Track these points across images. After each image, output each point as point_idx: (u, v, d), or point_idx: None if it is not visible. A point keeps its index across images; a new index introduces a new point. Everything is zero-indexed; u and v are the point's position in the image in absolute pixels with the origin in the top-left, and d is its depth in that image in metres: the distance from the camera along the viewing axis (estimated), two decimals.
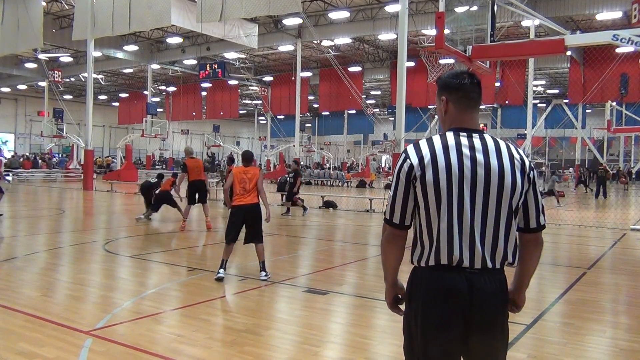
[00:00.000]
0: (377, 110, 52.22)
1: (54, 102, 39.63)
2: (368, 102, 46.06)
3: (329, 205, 17.56)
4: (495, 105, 39.40)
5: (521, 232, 2.22)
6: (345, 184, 35.07)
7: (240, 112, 53.28)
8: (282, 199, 19.08)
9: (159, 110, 43.06)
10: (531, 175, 2.17)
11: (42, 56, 35.03)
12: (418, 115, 28.83)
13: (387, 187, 15.67)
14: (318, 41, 31.52)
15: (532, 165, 2.22)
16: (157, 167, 50.43)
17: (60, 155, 46.33)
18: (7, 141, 54.10)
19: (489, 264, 2.11)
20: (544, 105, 39.73)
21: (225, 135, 59.42)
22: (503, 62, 29.50)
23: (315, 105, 47.75)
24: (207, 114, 45.94)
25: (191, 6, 22.62)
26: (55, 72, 37.51)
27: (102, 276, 7.31)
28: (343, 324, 5.39)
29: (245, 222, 6.91)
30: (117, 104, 54.89)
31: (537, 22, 19.98)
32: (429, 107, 30.73)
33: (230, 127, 65.14)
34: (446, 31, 12.59)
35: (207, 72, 32.11)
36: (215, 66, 31.73)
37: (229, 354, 4.31)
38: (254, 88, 44.37)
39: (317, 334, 4.94)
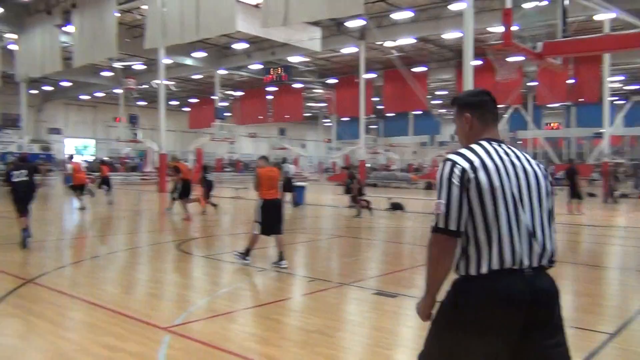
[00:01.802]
0: (443, 110, 51.32)
1: (129, 108, 41.61)
2: (434, 102, 45.35)
3: (396, 207, 17.40)
4: (568, 104, 37.76)
5: None
6: (412, 185, 34.66)
7: (305, 115, 53.78)
8: (350, 202, 19.15)
9: (227, 114, 44.23)
10: (549, 181, 2.28)
11: (117, 65, 36.78)
12: None
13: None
14: (381, 42, 31.36)
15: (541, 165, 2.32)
16: (226, 169, 51.87)
17: (135, 160, 48.47)
18: (87, 146, 57.25)
19: (544, 262, 2.15)
20: (623, 102, 37.69)
21: (291, 138, 60.20)
22: (576, 58, 28.20)
23: (380, 107, 47.45)
24: (273, 117, 46.67)
25: (256, 12, 23.07)
26: (130, 79, 39.25)
27: (177, 275, 7.59)
28: (414, 328, 5.31)
29: (274, 214, 7.85)
30: (187, 109, 56.80)
31: (612, 15, 18.99)
32: (498, 106, 29.86)
33: (295, 130, 65.91)
34: (514, 28, 12.24)
35: (272, 76, 32.68)
36: (280, 70, 32.23)
37: (300, 354, 4.36)
38: (318, 91, 44.69)
39: (387, 337, 4.91)
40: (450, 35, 28.98)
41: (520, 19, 12.99)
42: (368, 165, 46.53)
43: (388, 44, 31.92)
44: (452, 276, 2.22)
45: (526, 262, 2.09)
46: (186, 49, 33.96)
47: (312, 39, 26.86)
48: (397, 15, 27.63)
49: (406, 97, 35.26)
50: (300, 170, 45.06)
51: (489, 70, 24.77)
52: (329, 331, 4.95)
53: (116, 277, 7.33)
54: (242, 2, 23.04)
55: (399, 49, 33.35)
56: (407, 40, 31.36)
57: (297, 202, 17.91)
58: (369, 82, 36.02)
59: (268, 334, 4.81)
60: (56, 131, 53.44)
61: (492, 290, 2.08)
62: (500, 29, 14.49)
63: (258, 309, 5.76)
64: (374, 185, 33.57)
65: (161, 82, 26.03)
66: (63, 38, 28.22)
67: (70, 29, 27.21)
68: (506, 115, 39.33)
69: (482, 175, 2.11)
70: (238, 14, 21.45)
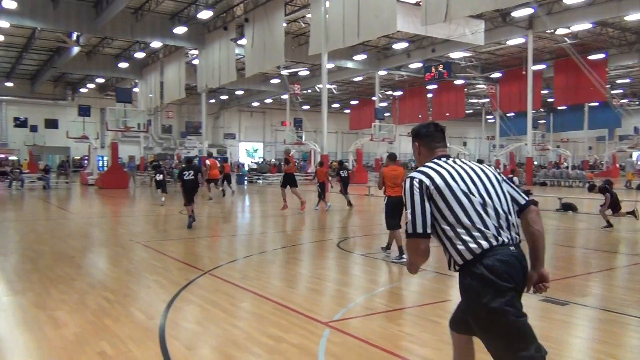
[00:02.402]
0: (625, 100, 46.16)
1: (294, 112, 43.92)
2: (613, 92, 40.99)
3: (567, 207, 16.08)
4: None
5: (520, 212, 2.69)
6: (587, 184, 31.65)
7: (467, 111, 52.04)
8: None
9: (386, 114, 44.61)
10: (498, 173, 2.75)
11: (284, 72, 39.03)
12: None
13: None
14: (552, 30, 29.13)
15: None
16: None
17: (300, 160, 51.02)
18: (257, 149, 61.69)
19: (519, 237, 2.57)
20: None
21: (451, 136, 58.71)
22: None
23: (550, 100, 44.19)
24: (433, 116, 45.95)
25: (416, 10, 22.89)
26: (295, 85, 41.42)
27: (337, 272, 7.83)
28: (587, 339, 4.87)
29: (398, 210, 8.32)
30: (348, 110, 58.38)
31: None
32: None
33: (456, 128, 64.16)
34: None
35: (432, 74, 32.13)
36: (441, 67, 31.56)
37: None
38: (481, 86, 42.99)
39: (555, 347, 4.54)
40: (634, 16, 25.91)
41: None
42: (536, 162, 43.65)
43: (560, 31, 29.58)
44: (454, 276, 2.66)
45: (506, 240, 2.50)
46: (348, 52, 34.92)
47: (475, 32, 25.93)
48: (570, 0, 25.43)
49: (581, 88, 32.36)
50: None
51: None
52: None
53: (281, 272, 7.79)
54: (402, 2, 23.02)
55: (573, 35, 30.74)
56: (583, 26, 28.64)
57: None
58: (537, 73, 33.75)
59: (426, 336, 4.74)
60: (231, 136, 58.47)
61: (492, 261, 2.44)
62: None
63: (416, 309, 5.71)
64: (543, 184, 31.35)
65: (324, 86, 27.06)
66: (237, 50, 30.77)
67: (243, 42, 29.58)
68: None
69: (438, 180, 2.56)
70: (398, 14, 21.48)
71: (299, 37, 34.20)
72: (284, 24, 27.30)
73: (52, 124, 44.34)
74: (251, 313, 5.53)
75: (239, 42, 30.06)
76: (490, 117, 55.10)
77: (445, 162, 2.69)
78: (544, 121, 56.59)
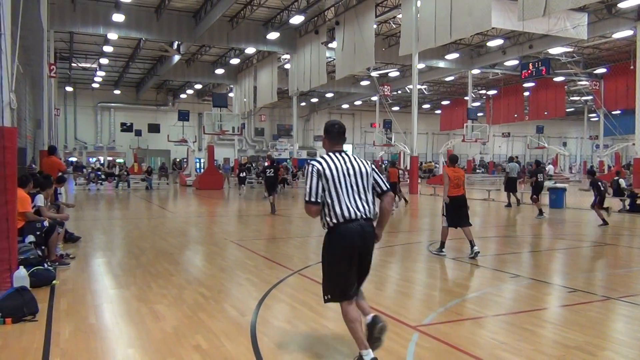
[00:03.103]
0: None
1: (384, 114, 43.67)
2: None
3: None
4: None
5: (379, 196, 4.01)
6: None
7: (568, 110, 49.19)
8: (623, 206, 16.93)
9: (479, 114, 43.19)
10: (371, 167, 3.99)
11: (374, 74, 38.93)
12: None
13: None
14: None
15: (369, 163, 4.05)
16: (477, 171, 50.62)
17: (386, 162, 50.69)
18: (346, 151, 61.89)
19: (369, 215, 3.85)
20: None
21: (549, 136, 55.76)
22: None
23: None
24: (530, 115, 43.92)
25: (512, 5, 21.99)
26: (385, 86, 41.21)
27: (426, 275, 7.68)
28: None
29: (459, 209, 8.78)
30: (439, 111, 57.16)
31: None
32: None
33: (555, 127, 60.91)
34: None
35: (529, 71, 30.63)
36: (539, 64, 30.05)
37: None
38: (584, 83, 40.49)
39: None
40: None
41: None
42: None
43: None
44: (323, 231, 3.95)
45: (359, 216, 3.79)
46: (439, 52, 34.22)
47: (577, 26, 24.49)
48: None
49: None
50: (560, 171, 41.48)
51: None
52: (591, 349, 4.45)
53: (369, 274, 7.72)
54: None
55: None
56: None
57: (556, 206, 16.58)
58: None
59: (520, 345, 4.53)
60: (321, 138, 58.98)
61: (342, 230, 3.79)
62: None
63: (510, 316, 5.47)
64: None
65: (414, 87, 26.69)
66: (327, 53, 31.11)
67: (333, 45, 29.84)
68: None
69: (326, 167, 3.81)
70: (493, 10, 20.74)
71: (389, 38, 33.99)
72: (375, 26, 27.22)
73: (154, 128, 47.14)
74: (339, 314, 5.50)
75: (329, 45, 30.35)
76: (594, 115, 51.77)
77: (338, 156, 3.90)
78: None
